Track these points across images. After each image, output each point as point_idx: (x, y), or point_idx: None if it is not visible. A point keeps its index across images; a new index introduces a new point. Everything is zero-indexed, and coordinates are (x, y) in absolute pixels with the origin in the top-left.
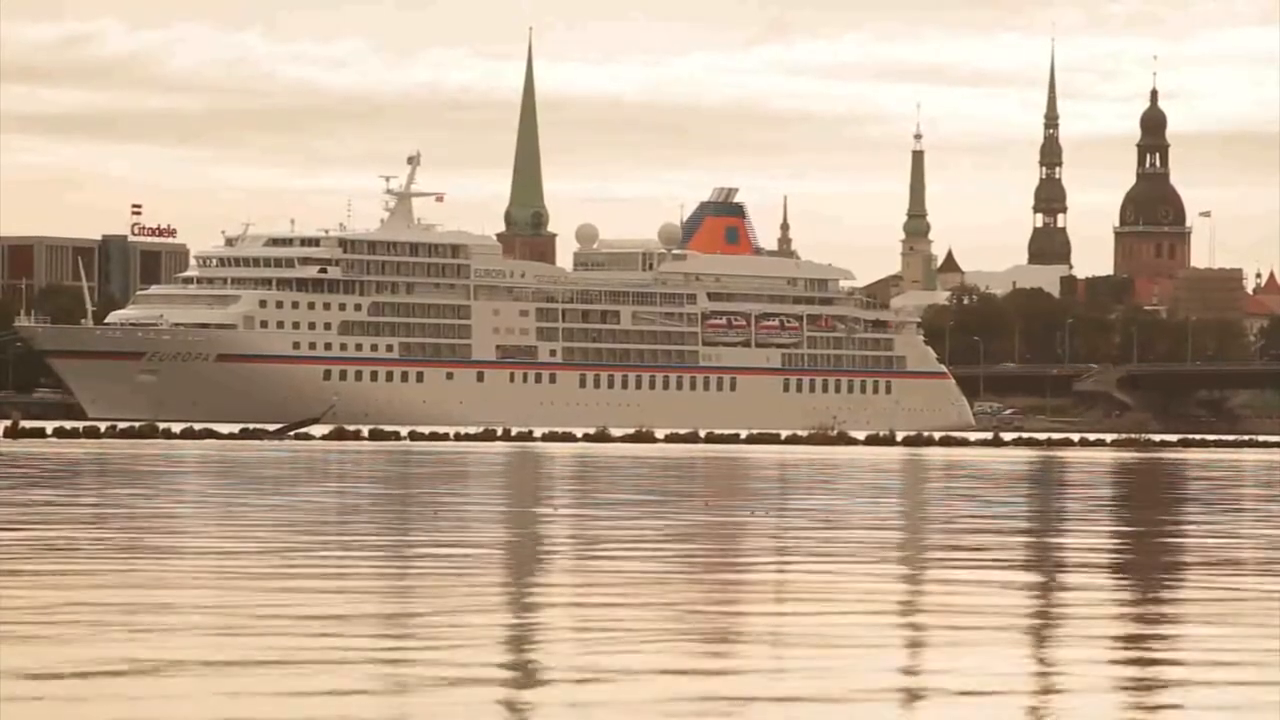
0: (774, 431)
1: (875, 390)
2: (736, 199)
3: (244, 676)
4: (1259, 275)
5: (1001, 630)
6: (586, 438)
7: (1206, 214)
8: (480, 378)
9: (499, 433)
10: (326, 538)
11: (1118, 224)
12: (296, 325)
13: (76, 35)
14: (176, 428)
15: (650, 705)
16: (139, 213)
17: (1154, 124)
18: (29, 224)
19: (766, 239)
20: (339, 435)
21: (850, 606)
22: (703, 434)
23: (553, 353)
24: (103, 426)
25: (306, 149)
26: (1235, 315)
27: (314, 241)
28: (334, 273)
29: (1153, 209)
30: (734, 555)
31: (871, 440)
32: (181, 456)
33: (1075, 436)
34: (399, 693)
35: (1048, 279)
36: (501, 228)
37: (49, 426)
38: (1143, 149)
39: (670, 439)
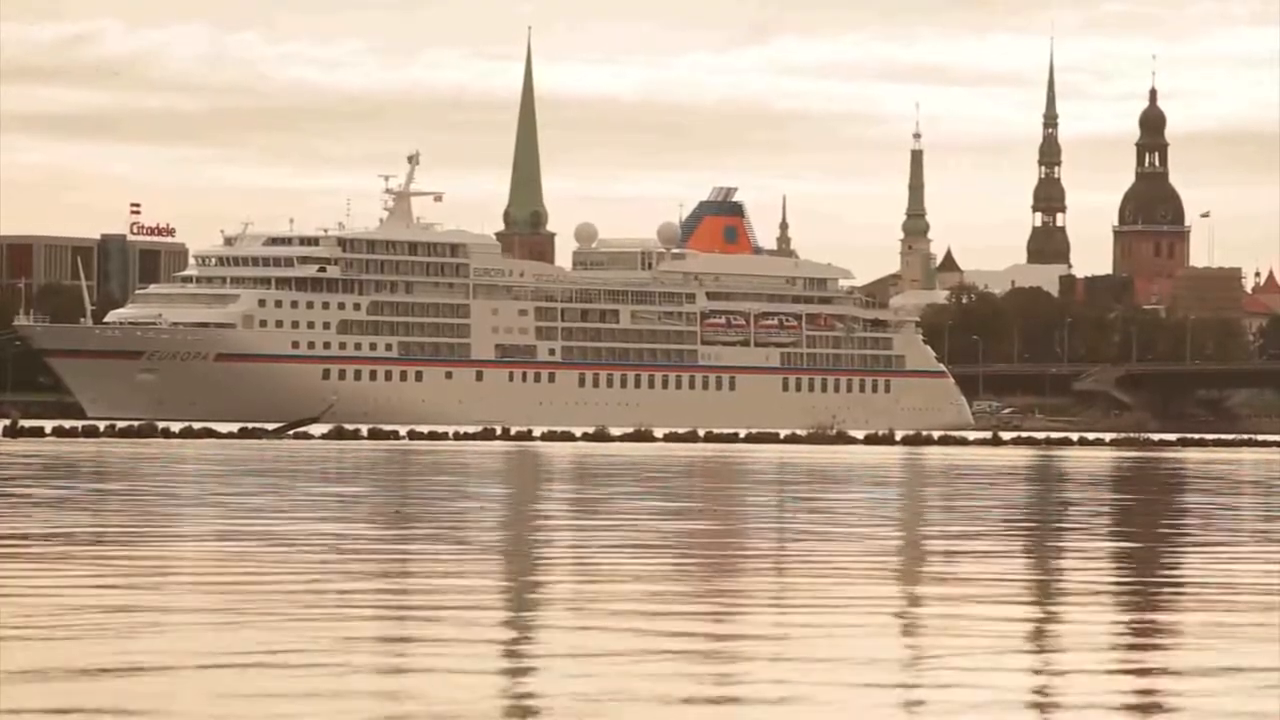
0: (773, 431)
1: (874, 389)
2: (735, 198)
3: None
4: (1258, 275)
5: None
6: (585, 437)
7: (1206, 214)
8: (479, 377)
9: (498, 432)
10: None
11: (1117, 223)
12: (295, 325)
13: (76, 35)
14: (175, 427)
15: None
16: (138, 212)
17: (1153, 123)
18: (28, 223)
19: (765, 238)
20: (338, 434)
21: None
22: (702, 433)
23: (552, 352)
24: (102, 426)
25: (306, 149)
26: (1234, 314)
27: (313, 241)
28: (333, 272)
29: (1152, 208)
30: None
31: (870, 439)
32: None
33: (1074, 436)
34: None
35: (1047, 278)
36: (500, 227)
37: (48, 426)
38: (1142, 148)
39: (669, 438)
